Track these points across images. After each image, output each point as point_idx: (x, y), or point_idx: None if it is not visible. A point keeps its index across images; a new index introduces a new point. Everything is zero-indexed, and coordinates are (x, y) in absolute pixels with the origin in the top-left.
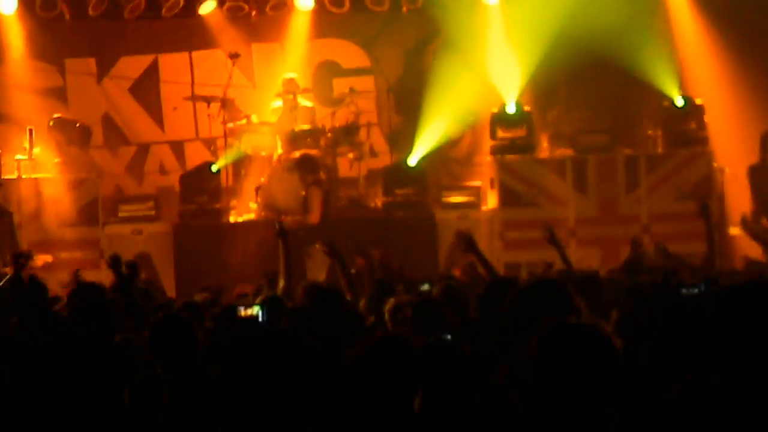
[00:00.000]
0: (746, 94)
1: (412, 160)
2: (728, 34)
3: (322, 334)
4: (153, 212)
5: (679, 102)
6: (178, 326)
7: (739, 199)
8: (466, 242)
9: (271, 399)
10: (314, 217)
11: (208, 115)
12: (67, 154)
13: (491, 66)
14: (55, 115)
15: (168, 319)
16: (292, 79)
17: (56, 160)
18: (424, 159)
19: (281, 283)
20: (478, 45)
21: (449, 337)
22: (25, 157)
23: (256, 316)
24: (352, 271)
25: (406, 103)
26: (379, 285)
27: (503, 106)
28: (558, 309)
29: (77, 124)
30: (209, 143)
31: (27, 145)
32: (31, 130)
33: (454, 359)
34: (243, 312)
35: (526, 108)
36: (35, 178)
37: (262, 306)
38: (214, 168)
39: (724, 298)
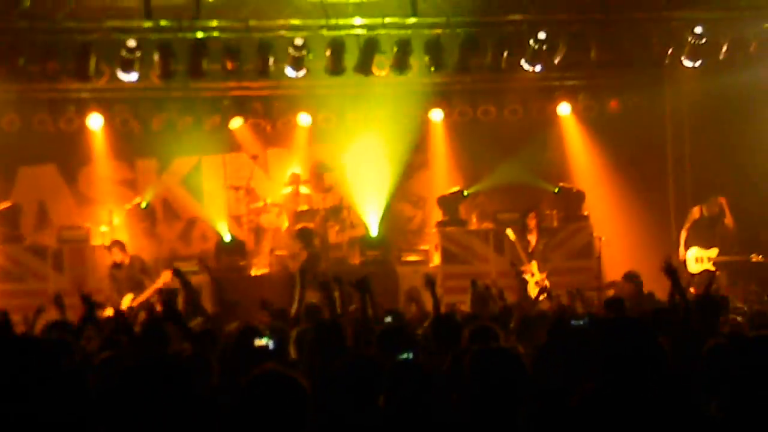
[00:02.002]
0: (619, 183)
1: (374, 232)
2: (605, 141)
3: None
4: (197, 267)
5: (557, 190)
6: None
7: (611, 259)
8: (430, 283)
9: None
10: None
11: (236, 200)
12: (138, 227)
13: (437, 164)
14: (135, 201)
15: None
16: (296, 174)
17: (130, 231)
18: (383, 230)
19: (295, 306)
20: (428, 149)
21: (411, 355)
22: (108, 229)
23: (267, 345)
24: (352, 308)
25: None
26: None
27: (447, 192)
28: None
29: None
30: (237, 219)
31: (108, 220)
32: (110, 210)
33: (414, 372)
34: (257, 341)
35: (464, 193)
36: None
37: (271, 337)
38: (226, 239)
39: (604, 329)
